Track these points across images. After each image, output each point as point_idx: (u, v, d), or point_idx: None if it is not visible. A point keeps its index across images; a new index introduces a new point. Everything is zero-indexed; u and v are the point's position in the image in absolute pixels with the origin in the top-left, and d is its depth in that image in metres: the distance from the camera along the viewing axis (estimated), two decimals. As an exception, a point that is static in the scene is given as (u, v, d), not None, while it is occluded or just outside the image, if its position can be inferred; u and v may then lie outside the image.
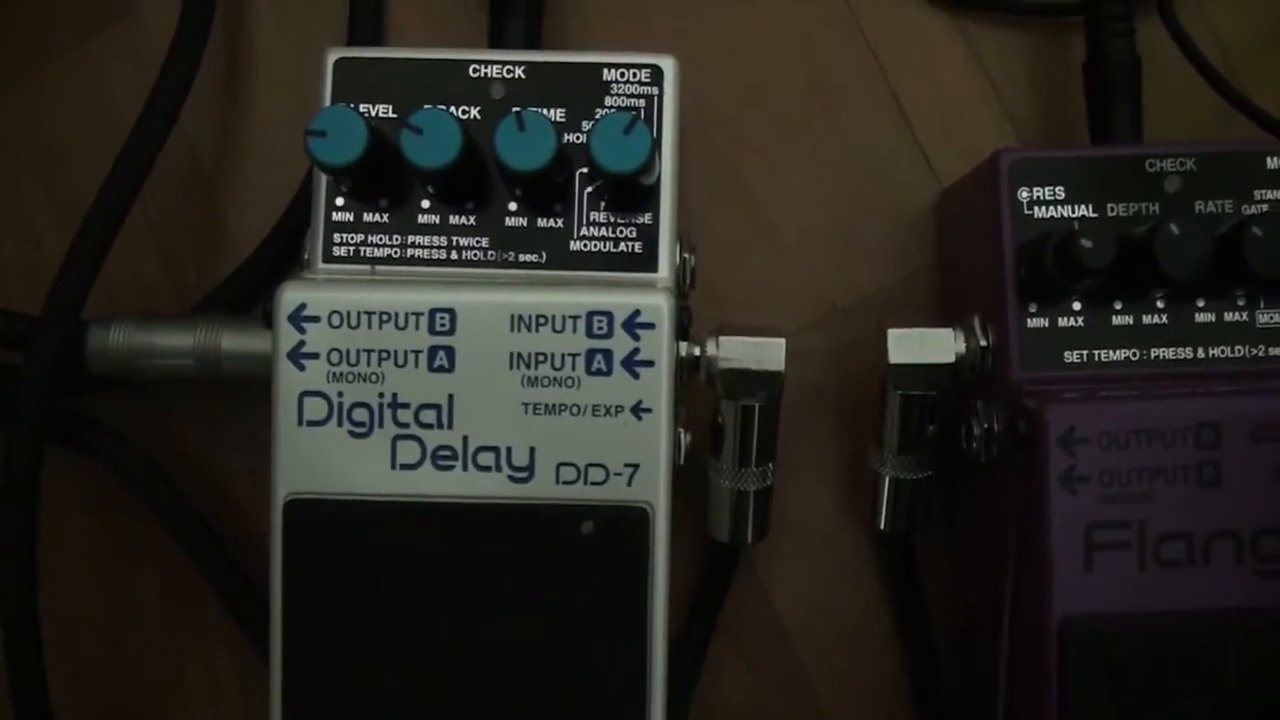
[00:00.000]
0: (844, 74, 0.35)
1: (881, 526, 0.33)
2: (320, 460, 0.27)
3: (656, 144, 0.29)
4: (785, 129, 0.35)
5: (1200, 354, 0.30)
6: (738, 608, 0.34)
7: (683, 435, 0.31)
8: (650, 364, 0.27)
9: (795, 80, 0.35)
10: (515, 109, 0.27)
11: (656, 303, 0.27)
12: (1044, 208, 0.30)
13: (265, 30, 0.35)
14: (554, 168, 0.27)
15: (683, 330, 0.28)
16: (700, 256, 0.32)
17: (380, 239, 0.29)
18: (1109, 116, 0.33)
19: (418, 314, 0.27)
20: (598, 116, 0.29)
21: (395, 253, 0.29)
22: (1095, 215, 0.30)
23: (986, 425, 0.30)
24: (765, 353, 0.30)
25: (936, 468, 0.32)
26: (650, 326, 0.27)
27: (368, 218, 0.30)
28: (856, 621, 0.34)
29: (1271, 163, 0.30)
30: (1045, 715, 0.28)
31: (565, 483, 0.28)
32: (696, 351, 0.30)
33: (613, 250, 0.29)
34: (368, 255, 0.30)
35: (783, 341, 0.30)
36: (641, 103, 0.30)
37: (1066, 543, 0.28)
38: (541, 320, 0.27)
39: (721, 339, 0.30)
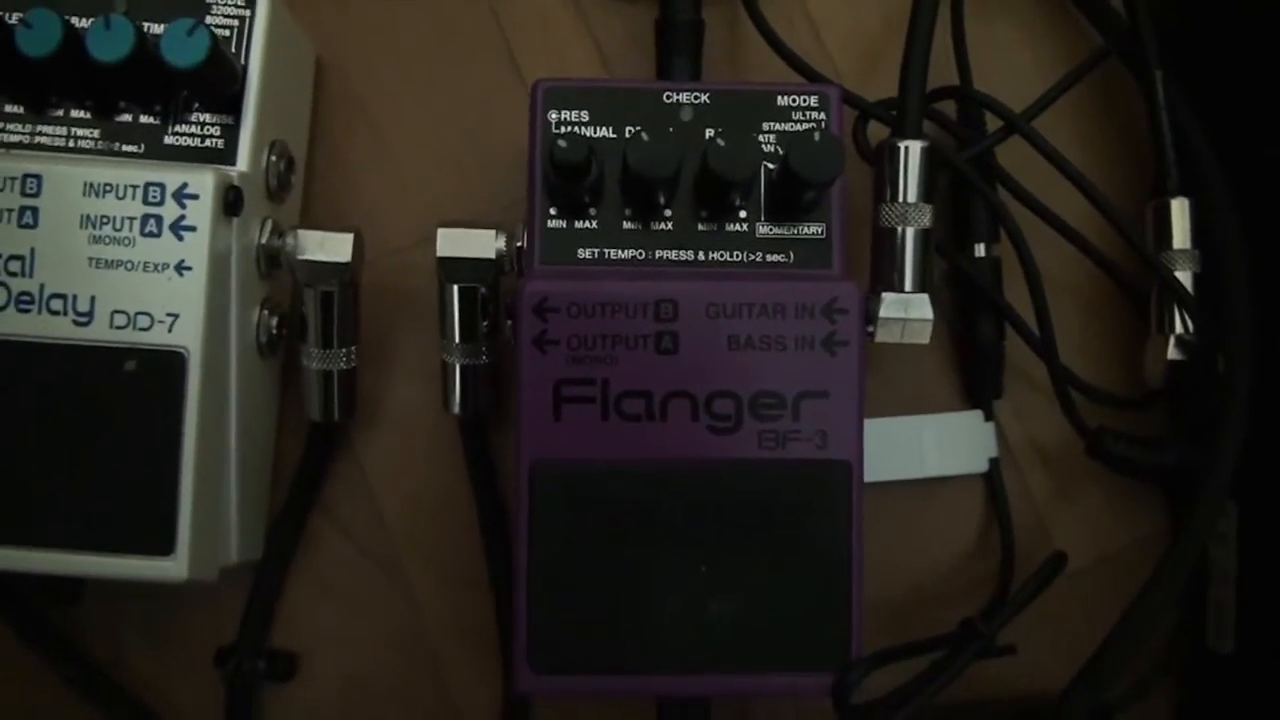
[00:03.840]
0: (467, 30, 0.41)
1: (455, 411, 0.38)
2: (-82, 299, 0.33)
3: (236, 56, 0.35)
4: (412, 74, 0.41)
5: (702, 257, 0.35)
6: (338, 487, 0.39)
7: (266, 316, 0.37)
8: (194, 229, 0.33)
9: (423, 33, 0.41)
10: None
11: (203, 178, 0.33)
12: (569, 128, 0.35)
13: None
14: (138, 62, 0.33)
15: (234, 206, 0.34)
16: (325, 177, 0.39)
17: (15, 128, 0.36)
18: (670, 64, 0.39)
19: (11, 179, 0.33)
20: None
21: (26, 139, 0.36)
22: (614, 136, 0.35)
23: (516, 309, 0.35)
24: (334, 245, 0.36)
25: (495, 355, 0.37)
26: (195, 197, 0.33)
27: (6, 109, 0.36)
28: (442, 498, 0.39)
29: (781, 100, 0.36)
30: (520, 550, 0.33)
31: (118, 327, 0.33)
32: (278, 245, 0.36)
33: (199, 145, 0.36)
34: (3, 141, 0.36)
35: (350, 236, 0.36)
36: (235, 22, 0.36)
37: (537, 395, 0.33)
38: (107, 188, 0.33)
39: (298, 232, 0.36)
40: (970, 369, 0.40)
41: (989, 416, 0.40)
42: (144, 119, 0.36)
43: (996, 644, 0.35)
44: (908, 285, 0.36)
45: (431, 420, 0.40)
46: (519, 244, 0.36)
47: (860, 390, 0.33)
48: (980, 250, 0.40)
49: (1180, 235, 0.38)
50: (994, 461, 0.40)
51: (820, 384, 0.33)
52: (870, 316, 0.35)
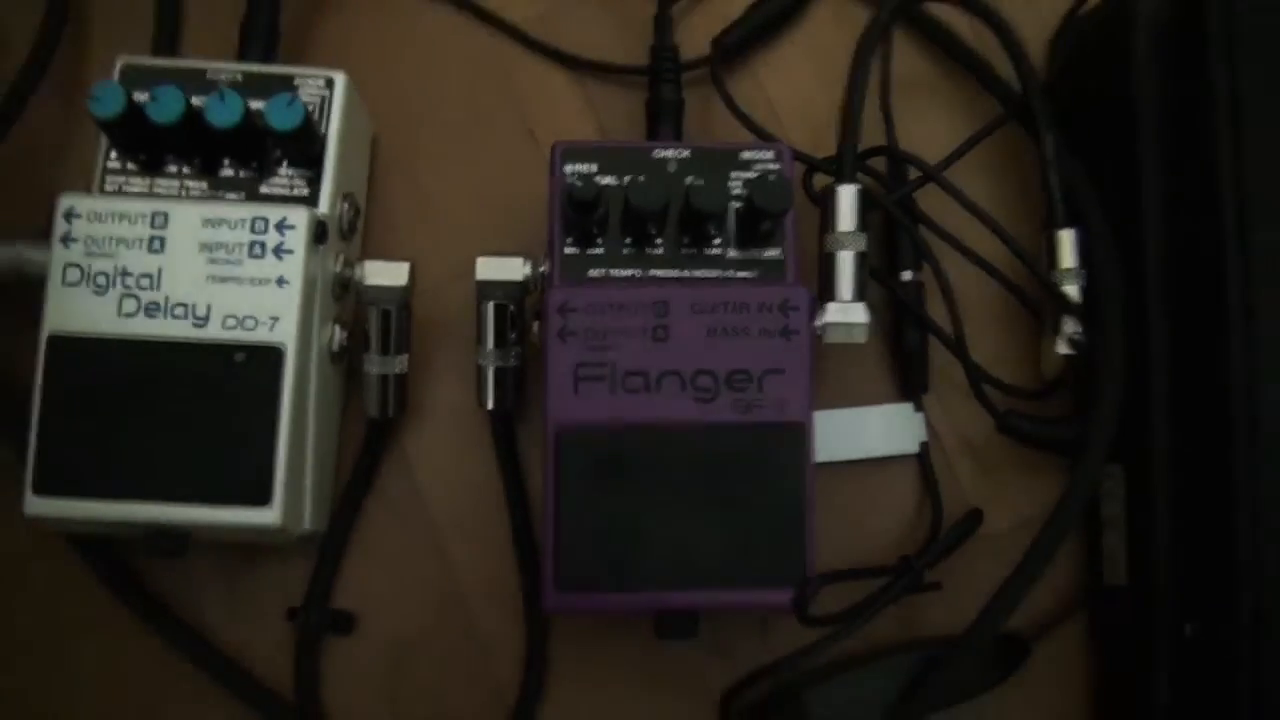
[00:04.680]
0: (493, 110, 0.53)
1: (489, 406, 0.49)
2: (73, 308, 0.44)
3: (319, 125, 0.47)
4: (448, 146, 0.52)
5: (686, 274, 0.46)
6: (389, 473, 0.50)
7: (338, 330, 0.48)
8: (291, 252, 0.44)
9: (458, 114, 0.53)
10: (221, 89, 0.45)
11: (299, 213, 0.45)
12: (582, 176, 0.47)
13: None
14: (243, 128, 0.45)
15: (320, 236, 0.45)
16: (379, 227, 0.50)
17: (136, 181, 0.47)
18: (657, 133, 0.51)
19: (143, 215, 0.44)
20: (285, 102, 0.46)
21: (145, 190, 0.47)
22: (617, 182, 0.47)
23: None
24: (394, 272, 0.47)
25: (522, 360, 0.48)
26: (292, 228, 0.44)
27: (128, 166, 0.47)
28: (478, 484, 0.49)
29: (745, 155, 0.48)
30: (548, 497, 0.43)
31: (229, 328, 0.44)
32: (348, 274, 0.47)
33: (289, 194, 0.47)
34: (126, 191, 0.47)
35: (407, 265, 0.47)
36: (317, 99, 0.48)
37: (560, 375, 0.43)
38: (222, 221, 0.44)
39: (365, 262, 0.47)
40: (902, 370, 0.51)
41: (919, 408, 0.51)
42: (243, 173, 0.47)
43: (925, 579, 0.46)
44: (847, 296, 0.47)
45: (466, 418, 0.50)
46: (542, 269, 0.47)
47: (810, 368, 0.44)
48: (907, 275, 0.51)
49: (1068, 257, 0.49)
50: (924, 444, 0.51)
51: (779, 363, 0.44)
52: (820, 323, 0.46)
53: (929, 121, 0.53)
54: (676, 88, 0.51)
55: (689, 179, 0.47)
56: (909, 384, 0.51)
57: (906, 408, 0.51)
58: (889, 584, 0.45)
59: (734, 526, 0.43)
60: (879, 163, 0.52)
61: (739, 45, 0.53)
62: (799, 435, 0.43)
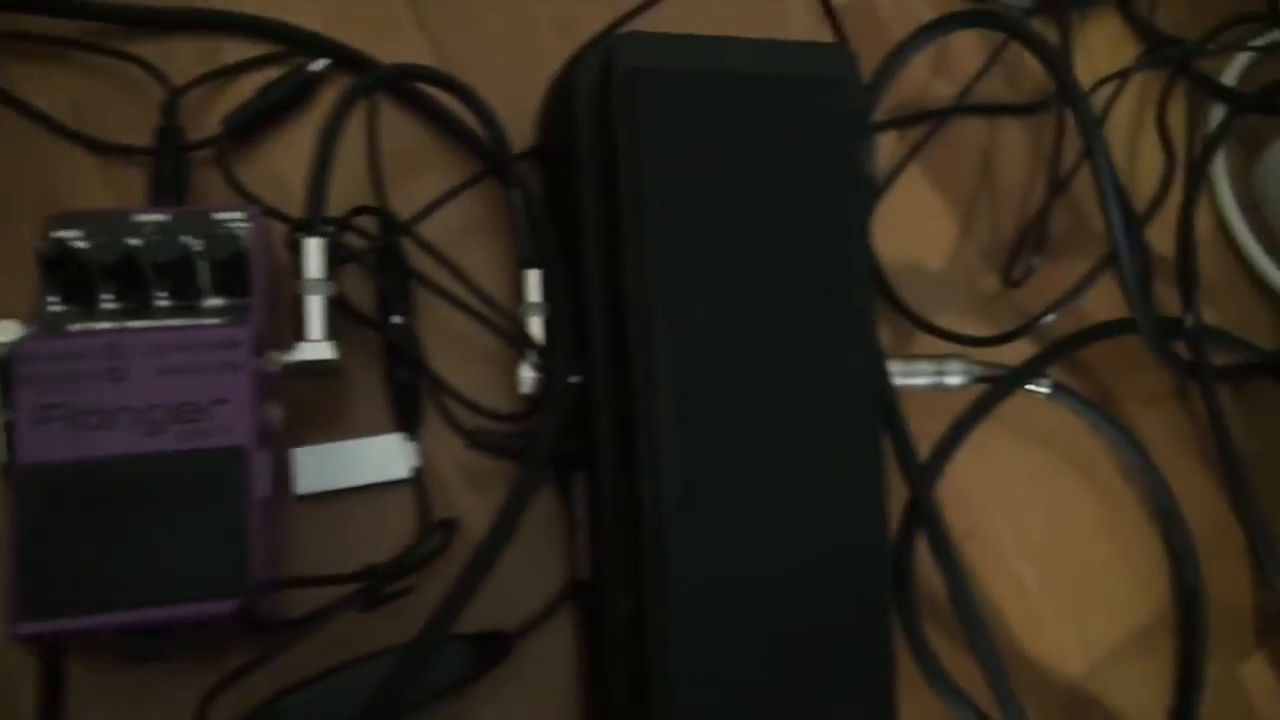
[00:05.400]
0: (29, 190, 0.58)
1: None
2: None
3: None
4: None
5: (161, 323, 0.52)
6: None
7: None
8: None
9: (-13, 198, 0.59)
10: None
11: None
12: (65, 240, 0.53)
13: None
14: None
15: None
16: None
17: None
18: (156, 202, 0.57)
19: None
20: None
21: None
22: (98, 246, 0.53)
23: (20, 372, 0.52)
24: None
25: (19, 415, 0.53)
26: None
27: None
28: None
29: (215, 215, 0.54)
30: (10, 534, 0.48)
31: None
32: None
33: None
34: None
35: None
36: None
37: (23, 416, 0.49)
38: None
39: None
40: (397, 403, 0.58)
41: (413, 437, 0.57)
42: None
43: (387, 588, 0.52)
44: (316, 335, 0.54)
45: None
46: (32, 328, 0.53)
47: (252, 398, 0.50)
48: (396, 319, 0.58)
49: (534, 293, 0.57)
50: (418, 469, 0.57)
51: (225, 395, 0.50)
52: (289, 359, 0.52)
53: (423, 184, 0.61)
54: (175, 163, 0.58)
55: (167, 240, 0.53)
56: (403, 415, 0.58)
57: (397, 437, 0.57)
58: (355, 591, 0.51)
59: (186, 545, 0.48)
60: (369, 221, 0.59)
61: (249, 125, 0.61)
62: (241, 457, 0.49)
